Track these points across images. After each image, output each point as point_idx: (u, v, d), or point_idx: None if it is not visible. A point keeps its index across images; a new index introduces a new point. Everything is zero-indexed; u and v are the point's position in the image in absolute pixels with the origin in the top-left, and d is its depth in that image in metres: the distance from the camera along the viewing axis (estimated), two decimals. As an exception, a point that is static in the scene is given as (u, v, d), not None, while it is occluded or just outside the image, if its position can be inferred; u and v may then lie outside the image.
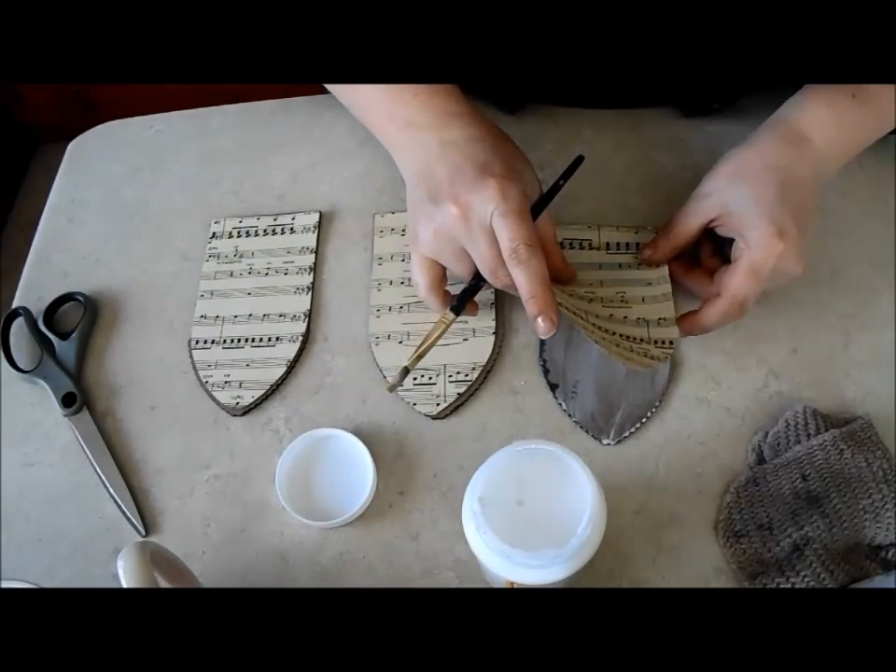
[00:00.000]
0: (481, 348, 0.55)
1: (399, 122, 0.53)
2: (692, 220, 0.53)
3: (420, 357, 0.49)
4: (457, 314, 0.50)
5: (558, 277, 0.54)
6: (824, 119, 0.51)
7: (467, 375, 0.54)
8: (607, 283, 0.56)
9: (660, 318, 0.54)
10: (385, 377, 0.54)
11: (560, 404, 0.53)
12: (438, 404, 0.53)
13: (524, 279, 0.47)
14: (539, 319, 0.47)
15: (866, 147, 0.53)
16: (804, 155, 0.51)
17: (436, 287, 0.51)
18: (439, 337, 0.50)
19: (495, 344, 0.55)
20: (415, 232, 0.51)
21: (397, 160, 0.55)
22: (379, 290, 0.58)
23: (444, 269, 0.52)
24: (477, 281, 0.50)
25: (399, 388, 0.53)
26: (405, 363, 0.49)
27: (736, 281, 0.49)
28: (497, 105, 0.64)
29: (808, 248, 0.50)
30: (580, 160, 0.55)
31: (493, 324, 0.55)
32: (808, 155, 0.51)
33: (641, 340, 0.53)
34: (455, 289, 0.52)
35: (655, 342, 0.53)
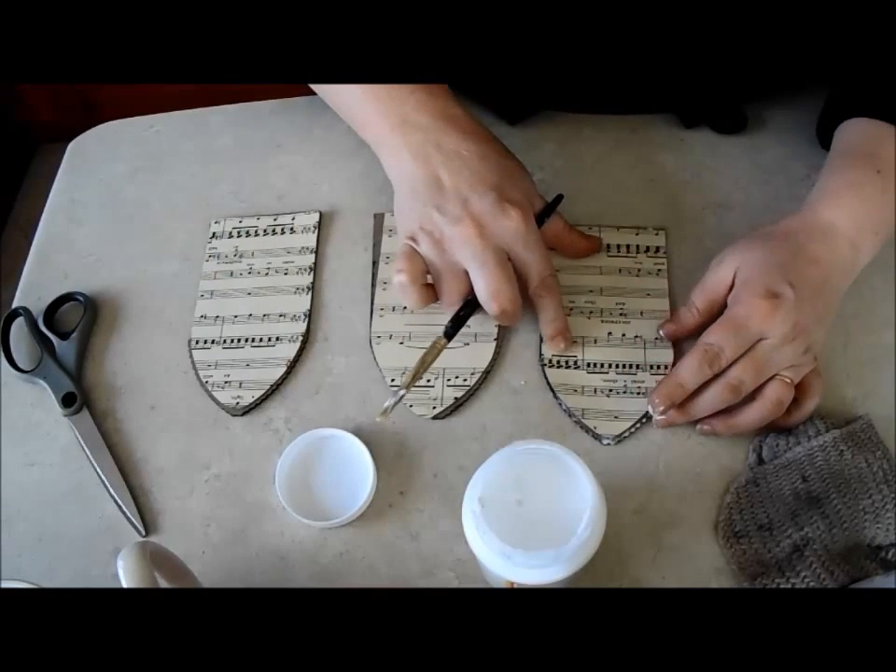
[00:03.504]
0: (481, 353, 0.55)
1: (392, 120, 0.53)
2: (708, 294, 0.51)
3: (414, 380, 0.50)
4: (450, 339, 0.51)
5: (587, 254, 0.57)
6: (849, 201, 0.50)
7: (465, 380, 0.54)
8: (606, 290, 0.56)
9: (657, 337, 0.54)
10: (384, 377, 0.54)
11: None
12: (434, 407, 0.53)
13: (550, 305, 0.53)
14: (560, 338, 0.53)
15: None
16: (825, 238, 0.49)
17: (419, 279, 0.51)
18: (433, 361, 0.51)
19: (495, 350, 0.55)
20: (414, 235, 0.51)
21: (386, 158, 0.55)
22: (384, 290, 0.58)
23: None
24: (471, 308, 0.51)
25: (397, 389, 0.53)
26: (400, 388, 0.50)
27: (712, 330, 0.48)
28: (498, 115, 0.64)
29: (819, 331, 0.49)
30: (559, 198, 0.56)
31: (494, 330, 0.55)
32: (831, 239, 0.49)
33: (637, 367, 0.53)
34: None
35: (651, 366, 0.53)
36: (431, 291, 0.52)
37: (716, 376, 0.48)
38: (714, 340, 0.48)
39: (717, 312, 0.50)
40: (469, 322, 0.55)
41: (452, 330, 0.51)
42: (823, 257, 0.49)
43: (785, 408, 0.48)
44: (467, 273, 0.51)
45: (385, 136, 0.54)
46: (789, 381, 0.48)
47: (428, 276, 0.52)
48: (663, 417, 0.50)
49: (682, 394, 0.49)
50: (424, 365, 0.50)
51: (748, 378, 0.47)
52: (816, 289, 0.48)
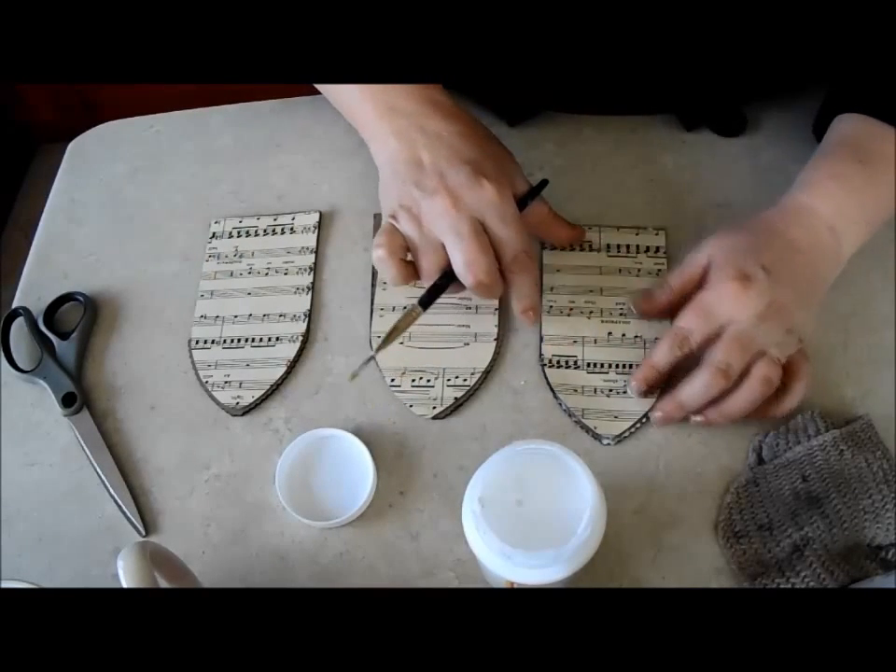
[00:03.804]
0: (481, 353, 0.55)
1: (381, 109, 0.54)
2: (683, 275, 0.52)
3: (385, 345, 0.50)
4: (425, 308, 0.51)
5: (571, 243, 0.58)
6: (830, 190, 0.51)
7: (465, 380, 0.54)
8: (606, 290, 0.56)
9: (657, 337, 0.54)
10: (384, 377, 0.54)
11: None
12: (434, 407, 0.53)
13: (522, 282, 0.52)
14: (530, 312, 0.53)
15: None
16: (803, 223, 0.50)
17: (397, 252, 0.51)
18: (405, 328, 0.51)
19: (495, 350, 0.55)
20: (394, 212, 0.52)
21: (374, 145, 0.56)
22: (384, 290, 0.58)
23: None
24: (448, 279, 0.51)
25: (397, 389, 0.54)
26: (372, 352, 0.51)
27: (682, 314, 0.50)
28: (498, 116, 0.64)
29: (802, 313, 0.49)
30: (544, 182, 0.55)
31: (495, 330, 0.55)
32: (811, 224, 0.50)
33: (637, 367, 0.53)
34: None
35: None
36: (411, 268, 0.52)
37: (699, 364, 0.49)
38: (683, 323, 0.49)
39: (689, 293, 0.51)
40: (469, 322, 0.55)
41: (427, 299, 0.51)
42: (802, 241, 0.50)
43: (774, 386, 0.49)
44: (445, 248, 0.51)
45: (374, 124, 0.55)
46: (778, 359, 0.49)
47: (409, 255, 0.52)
48: (660, 414, 0.51)
49: (656, 375, 0.51)
50: (396, 331, 0.50)
51: (733, 360, 0.48)
52: (794, 271, 0.49)
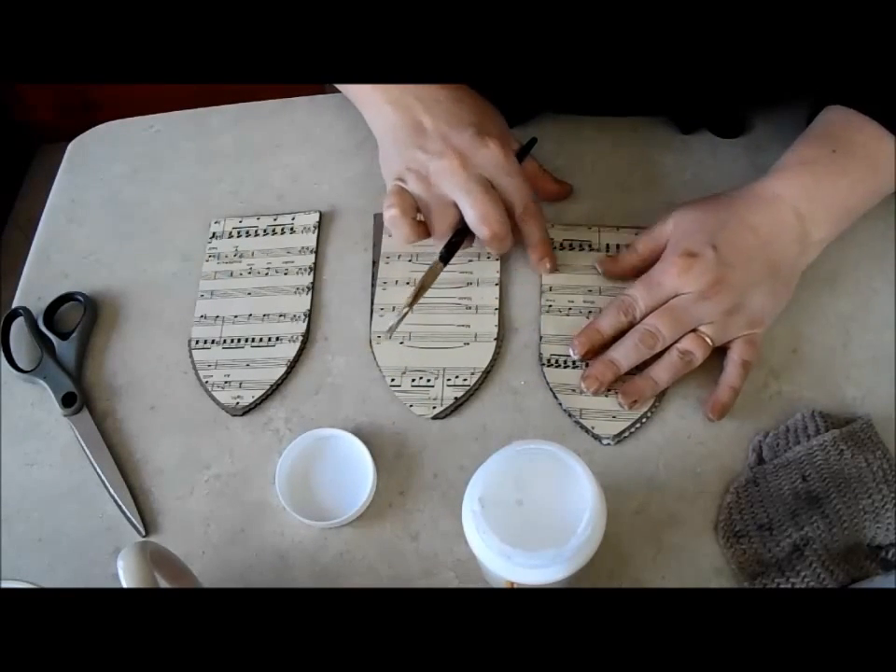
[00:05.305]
0: (481, 353, 0.55)
1: None
2: (651, 241, 0.54)
3: (416, 300, 0.52)
4: (445, 262, 0.53)
5: (558, 197, 0.60)
6: (798, 174, 0.52)
7: (465, 380, 0.54)
8: (606, 290, 0.56)
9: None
10: (384, 377, 0.54)
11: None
12: (434, 407, 0.53)
13: (535, 229, 0.55)
14: (546, 259, 0.56)
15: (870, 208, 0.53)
16: (767, 207, 0.51)
17: (409, 212, 0.53)
18: (432, 282, 0.52)
19: (495, 350, 0.55)
20: (401, 175, 0.53)
21: (368, 113, 0.58)
22: (384, 289, 0.58)
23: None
24: (462, 235, 0.53)
25: (397, 389, 0.54)
26: (404, 307, 0.52)
27: (632, 284, 0.52)
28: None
29: (756, 296, 0.50)
30: (534, 141, 0.59)
31: (495, 330, 0.55)
32: (775, 209, 0.51)
33: (636, 367, 0.53)
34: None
35: None
36: (422, 226, 0.54)
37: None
38: (631, 292, 0.52)
39: (655, 259, 0.53)
40: (469, 322, 0.55)
41: (446, 254, 0.53)
42: (762, 225, 0.51)
43: (693, 362, 0.50)
44: (455, 206, 0.52)
45: (368, 93, 0.57)
46: (706, 338, 0.50)
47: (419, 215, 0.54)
48: (590, 372, 0.51)
49: (599, 338, 0.52)
50: (424, 287, 0.52)
51: (663, 327, 0.50)
52: (747, 254, 0.50)
